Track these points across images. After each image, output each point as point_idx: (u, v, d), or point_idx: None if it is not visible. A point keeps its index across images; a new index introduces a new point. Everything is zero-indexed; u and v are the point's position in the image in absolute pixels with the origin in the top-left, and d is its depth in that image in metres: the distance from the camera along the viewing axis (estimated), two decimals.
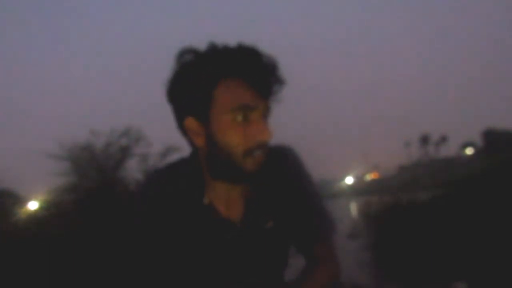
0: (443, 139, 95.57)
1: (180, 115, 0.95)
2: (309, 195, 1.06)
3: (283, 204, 1.04)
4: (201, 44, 0.93)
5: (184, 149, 1.04)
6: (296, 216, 1.05)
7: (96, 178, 7.64)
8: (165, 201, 0.99)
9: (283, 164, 1.05)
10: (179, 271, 1.01)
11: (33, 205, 7.93)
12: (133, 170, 8.06)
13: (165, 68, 0.95)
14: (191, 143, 0.99)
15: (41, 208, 7.67)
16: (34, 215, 7.43)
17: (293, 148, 1.09)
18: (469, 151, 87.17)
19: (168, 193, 0.99)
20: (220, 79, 0.89)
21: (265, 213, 1.03)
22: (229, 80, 0.89)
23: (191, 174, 1.00)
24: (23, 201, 7.94)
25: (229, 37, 0.92)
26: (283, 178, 1.04)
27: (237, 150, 0.90)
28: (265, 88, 0.89)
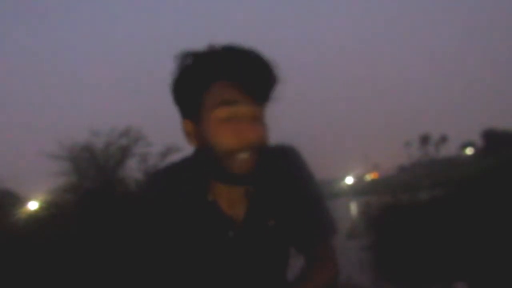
0: (443, 139, 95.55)
1: (180, 117, 0.99)
2: (310, 195, 1.07)
3: (285, 203, 1.05)
4: (204, 44, 0.94)
5: (184, 149, 1.05)
6: (297, 215, 1.06)
7: (96, 178, 7.65)
8: (168, 198, 1.00)
9: (285, 163, 1.06)
10: (182, 268, 1.02)
11: (33, 205, 7.92)
12: (133, 170, 8.08)
13: (165, 68, 0.95)
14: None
15: (41, 208, 7.66)
16: (34, 215, 7.43)
17: (295, 148, 1.10)
18: (469, 151, 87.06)
19: (171, 191, 1.01)
20: (210, 83, 0.91)
21: (267, 212, 1.04)
22: (218, 83, 0.90)
23: (195, 173, 1.01)
24: (23, 201, 7.94)
25: (233, 38, 0.94)
26: (285, 177, 1.05)
27: (220, 150, 0.90)
28: (249, 86, 0.88)
